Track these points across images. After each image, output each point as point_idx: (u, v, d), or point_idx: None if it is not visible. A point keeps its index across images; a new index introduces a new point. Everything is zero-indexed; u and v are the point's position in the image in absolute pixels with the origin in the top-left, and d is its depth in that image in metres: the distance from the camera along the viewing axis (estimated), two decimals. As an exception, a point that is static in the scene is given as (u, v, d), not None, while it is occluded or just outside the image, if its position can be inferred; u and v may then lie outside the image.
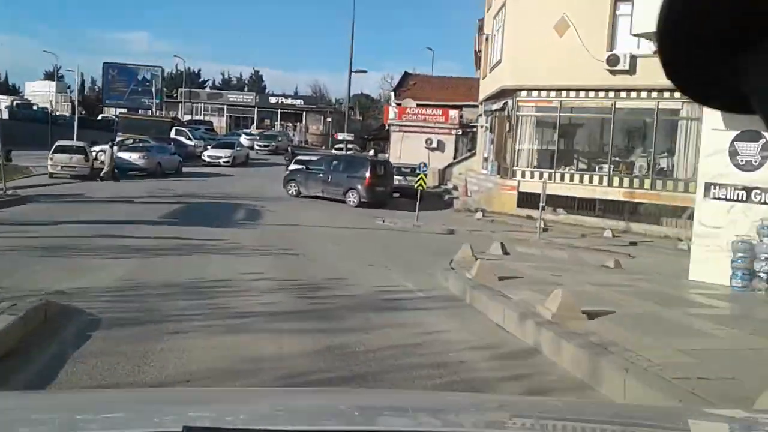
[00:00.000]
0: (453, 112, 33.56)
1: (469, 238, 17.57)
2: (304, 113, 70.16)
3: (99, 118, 59.36)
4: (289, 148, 36.30)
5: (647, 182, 21.91)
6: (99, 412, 1.69)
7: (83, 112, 65.19)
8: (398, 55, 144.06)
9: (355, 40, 31.90)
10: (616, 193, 22.08)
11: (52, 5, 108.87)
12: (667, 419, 1.99)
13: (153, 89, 52.89)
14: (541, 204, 18.33)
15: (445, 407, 2.02)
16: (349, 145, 36.98)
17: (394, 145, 34.12)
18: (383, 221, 19.24)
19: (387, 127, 35.80)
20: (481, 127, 30.73)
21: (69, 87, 65.60)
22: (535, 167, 24.18)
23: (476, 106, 33.56)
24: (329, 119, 70.14)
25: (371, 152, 39.54)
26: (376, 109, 75.28)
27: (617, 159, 22.97)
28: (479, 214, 23.17)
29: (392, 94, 37.55)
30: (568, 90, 22.83)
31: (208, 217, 17.25)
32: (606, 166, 22.96)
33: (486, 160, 29.84)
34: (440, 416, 1.85)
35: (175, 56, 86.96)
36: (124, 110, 50.53)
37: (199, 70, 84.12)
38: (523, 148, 24.17)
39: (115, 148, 29.03)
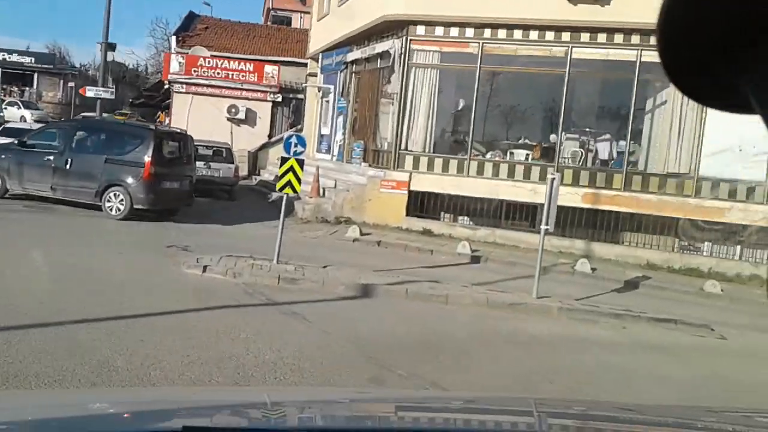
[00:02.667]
0: (271, 69, 22.99)
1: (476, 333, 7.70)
2: (35, 75, 53.15)
3: None
4: None
5: (618, 178, 13.98)
6: (99, 412, 1.66)
7: None
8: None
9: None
10: (571, 197, 13.77)
11: None
12: (673, 418, 2.01)
13: None
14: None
15: (447, 406, 2.01)
16: (91, 114, 24.09)
17: (178, 112, 22.52)
18: (203, 270, 8.30)
19: (168, 86, 23.99)
20: (318, 91, 20.79)
21: None
22: (433, 152, 15.02)
23: (303, 65, 23.45)
24: (71, 84, 54.01)
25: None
26: (138, 79, 60.26)
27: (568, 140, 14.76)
28: (353, 231, 13.38)
29: (173, 39, 25.64)
30: (496, 26, 14.01)
31: None
32: (554, 154, 14.68)
33: (325, 138, 20.05)
34: (441, 415, 1.86)
35: None
36: None
37: None
38: (417, 121, 14.83)
39: None
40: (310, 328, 6.17)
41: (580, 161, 15.20)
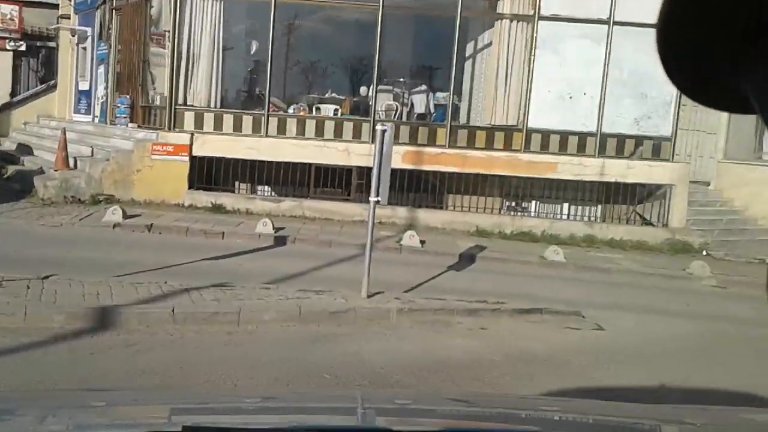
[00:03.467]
0: (9, 9, 17.83)
1: None
2: None
3: None
4: None
5: (441, 134, 12.07)
6: (99, 412, 1.63)
7: None
8: None
9: None
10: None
11: None
12: (671, 418, 1.94)
13: None
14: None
15: (447, 406, 1.96)
16: None
17: None
18: None
19: None
20: (72, 35, 16.45)
21: None
22: (221, 108, 11.99)
23: (54, 6, 18.66)
24: None
25: None
26: None
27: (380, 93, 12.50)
28: (115, 213, 10.01)
29: None
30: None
31: None
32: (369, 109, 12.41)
33: (85, 95, 15.98)
34: (441, 416, 1.82)
35: None
36: None
37: None
38: (198, 69, 11.63)
39: None
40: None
41: (396, 116, 13.16)
